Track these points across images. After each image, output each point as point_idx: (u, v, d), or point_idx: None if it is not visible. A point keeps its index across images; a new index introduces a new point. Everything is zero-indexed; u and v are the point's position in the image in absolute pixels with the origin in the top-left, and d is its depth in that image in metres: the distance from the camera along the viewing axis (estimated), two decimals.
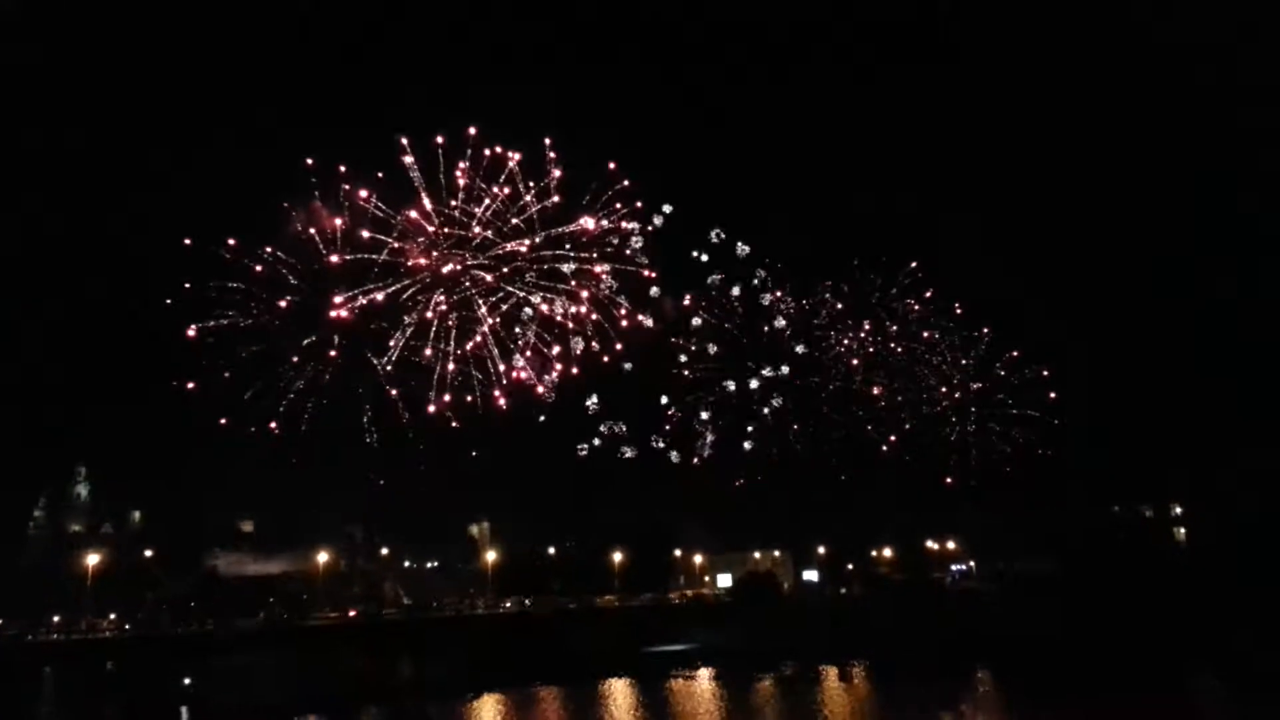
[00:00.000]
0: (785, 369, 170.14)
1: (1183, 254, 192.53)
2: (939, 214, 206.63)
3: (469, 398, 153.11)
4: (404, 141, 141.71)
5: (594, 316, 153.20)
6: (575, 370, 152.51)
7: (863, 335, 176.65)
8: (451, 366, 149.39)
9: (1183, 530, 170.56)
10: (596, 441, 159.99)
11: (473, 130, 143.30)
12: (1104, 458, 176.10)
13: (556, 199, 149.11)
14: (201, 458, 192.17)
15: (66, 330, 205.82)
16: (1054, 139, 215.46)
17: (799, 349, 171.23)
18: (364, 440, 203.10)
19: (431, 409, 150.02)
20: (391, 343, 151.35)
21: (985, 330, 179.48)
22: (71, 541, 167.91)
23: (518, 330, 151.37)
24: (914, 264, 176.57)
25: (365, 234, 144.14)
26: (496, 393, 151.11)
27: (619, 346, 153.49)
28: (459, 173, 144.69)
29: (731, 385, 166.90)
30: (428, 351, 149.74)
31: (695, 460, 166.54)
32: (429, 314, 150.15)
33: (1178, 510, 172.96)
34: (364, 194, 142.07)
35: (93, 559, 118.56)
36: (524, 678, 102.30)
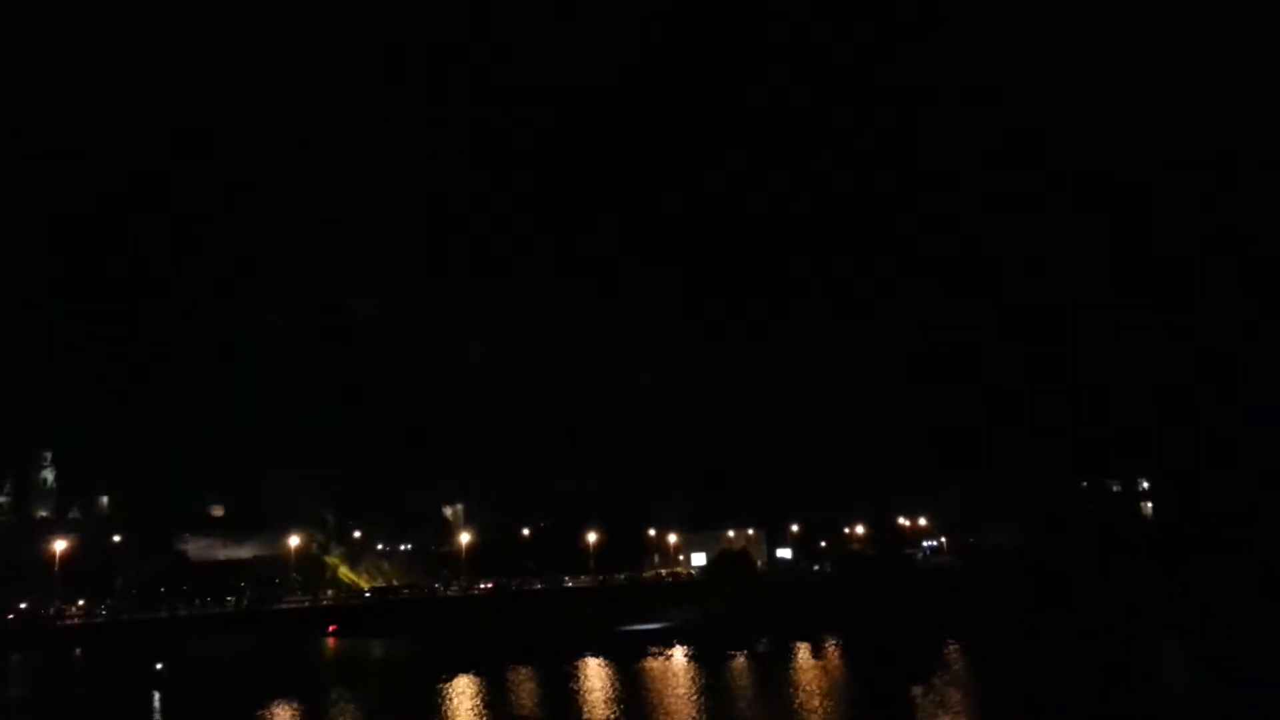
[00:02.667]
0: None
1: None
2: None
3: None
4: None
5: None
6: None
7: None
8: None
9: (1149, 505, 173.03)
10: None
11: None
12: (1071, 433, 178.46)
13: None
14: (171, 442, 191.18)
15: (34, 315, 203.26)
16: None
17: None
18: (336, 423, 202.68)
19: None
20: None
21: None
22: (38, 527, 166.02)
23: None
24: None
25: None
26: None
27: None
28: None
29: None
30: None
31: None
32: None
33: (1145, 485, 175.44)
34: None
35: (60, 545, 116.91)
36: (498, 658, 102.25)
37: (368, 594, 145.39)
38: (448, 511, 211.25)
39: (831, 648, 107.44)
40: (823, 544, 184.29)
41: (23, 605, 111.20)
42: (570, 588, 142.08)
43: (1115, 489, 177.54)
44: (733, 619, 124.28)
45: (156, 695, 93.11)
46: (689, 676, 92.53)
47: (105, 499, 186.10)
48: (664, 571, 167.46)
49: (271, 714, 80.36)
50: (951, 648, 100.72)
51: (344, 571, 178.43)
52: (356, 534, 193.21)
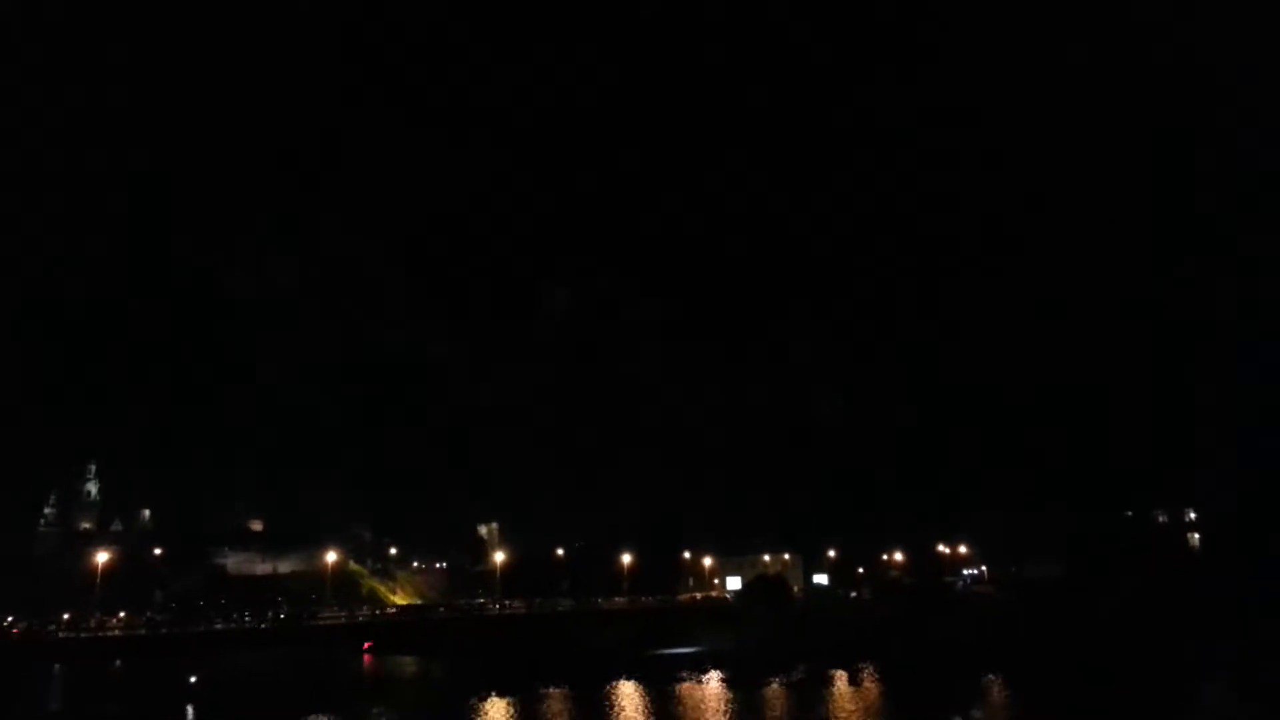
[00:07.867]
0: None
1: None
2: None
3: None
4: None
5: None
6: None
7: None
8: None
9: (1196, 536, 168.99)
10: None
11: None
12: (1116, 461, 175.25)
13: None
14: (213, 458, 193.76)
15: (79, 328, 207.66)
16: None
17: None
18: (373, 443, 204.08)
19: None
20: None
21: None
22: (81, 539, 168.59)
23: None
24: None
25: None
26: None
27: None
28: None
29: None
30: None
31: None
32: None
33: (1192, 515, 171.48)
34: None
35: (102, 556, 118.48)
36: (531, 679, 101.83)
37: (401, 610, 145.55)
38: (482, 530, 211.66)
39: (869, 676, 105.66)
40: (860, 571, 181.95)
41: (65, 616, 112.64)
42: (604, 610, 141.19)
43: (1161, 519, 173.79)
44: (768, 645, 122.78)
45: (190, 709, 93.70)
46: (723, 703, 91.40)
47: (147, 512, 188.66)
48: (699, 595, 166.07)
49: None
50: (991, 679, 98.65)
51: (369, 583, 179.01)
52: (392, 550, 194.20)
